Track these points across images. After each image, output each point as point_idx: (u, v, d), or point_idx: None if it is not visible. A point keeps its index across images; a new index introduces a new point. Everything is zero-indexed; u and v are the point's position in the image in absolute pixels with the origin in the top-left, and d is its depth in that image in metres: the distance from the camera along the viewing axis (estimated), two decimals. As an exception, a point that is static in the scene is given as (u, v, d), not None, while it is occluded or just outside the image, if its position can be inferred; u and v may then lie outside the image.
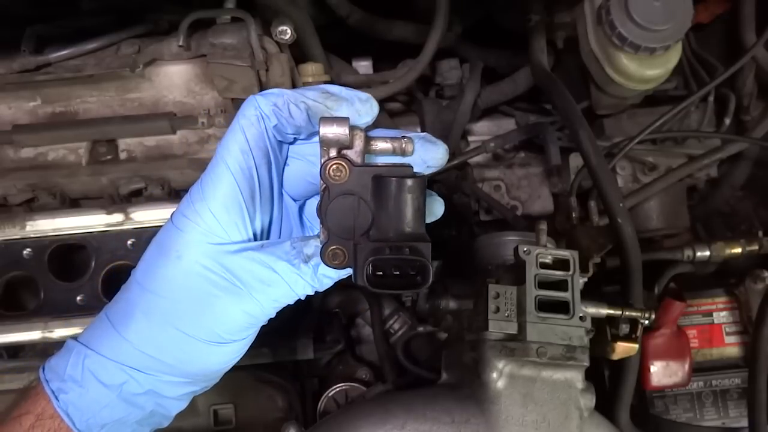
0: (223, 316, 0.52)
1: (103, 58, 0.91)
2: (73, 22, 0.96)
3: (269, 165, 0.53)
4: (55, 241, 0.84)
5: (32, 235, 0.84)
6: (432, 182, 1.20)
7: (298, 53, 0.99)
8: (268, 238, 0.56)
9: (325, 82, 1.00)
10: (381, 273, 0.49)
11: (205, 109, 0.93)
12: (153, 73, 0.92)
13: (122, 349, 0.52)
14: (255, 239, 0.53)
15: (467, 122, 1.17)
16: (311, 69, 0.98)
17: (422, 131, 1.19)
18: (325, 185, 0.50)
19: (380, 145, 0.52)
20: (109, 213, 0.84)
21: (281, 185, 0.57)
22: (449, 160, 1.12)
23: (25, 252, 0.84)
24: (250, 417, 1.12)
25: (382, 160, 0.52)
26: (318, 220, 0.53)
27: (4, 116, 0.93)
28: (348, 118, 0.50)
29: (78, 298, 0.83)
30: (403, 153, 0.52)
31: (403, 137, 0.52)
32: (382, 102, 1.20)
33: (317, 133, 0.49)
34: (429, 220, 0.57)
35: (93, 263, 0.84)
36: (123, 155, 0.94)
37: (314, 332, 1.20)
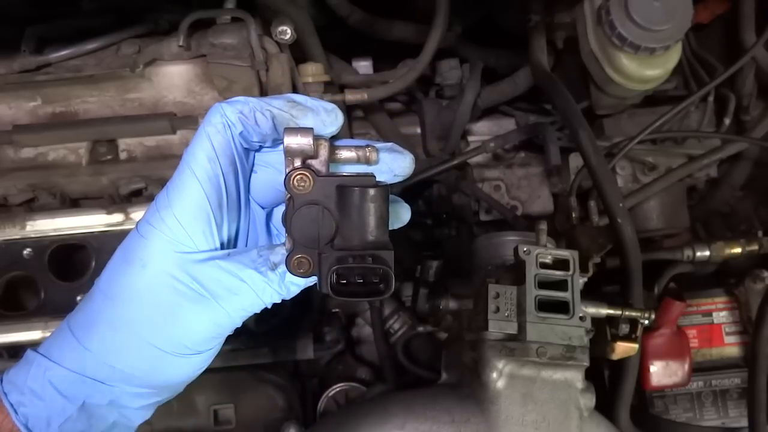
0: (189, 325, 0.51)
1: (103, 58, 0.91)
2: (73, 22, 0.96)
3: (236, 173, 0.53)
4: (55, 241, 0.84)
5: (32, 235, 0.84)
6: (432, 182, 1.20)
7: (298, 53, 0.99)
8: (235, 246, 0.56)
9: (325, 83, 1.00)
10: (345, 281, 0.50)
11: (205, 109, 0.92)
12: (153, 73, 0.92)
13: (85, 361, 0.51)
14: (222, 248, 0.53)
15: (467, 122, 1.17)
16: (311, 69, 0.98)
17: (422, 131, 1.19)
18: (289, 195, 0.50)
19: (345, 154, 0.53)
20: (109, 213, 0.84)
21: (248, 193, 0.57)
22: (449, 160, 1.13)
23: (25, 252, 0.84)
24: (250, 417, 1.12)
25: (347, 169, 0.53)
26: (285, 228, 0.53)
27: (4, 116, 0.92)
28: (312, 128, 0.50)
29: (78, 298, 0.83)
30: (368, 162, 0.53)
31: (368, 146, 0.53)
32: (382, 102, 1.20)
33: (282, 141, 0.50)
34: (396, 225, 0.57)
35: (93, 263, 0.84)
36: (123, 155, 0.94)
37: (314, 332, 1.20)
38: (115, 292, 0.51)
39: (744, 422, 1.00)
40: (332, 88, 1.04)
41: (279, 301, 0.53)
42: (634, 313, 0.80)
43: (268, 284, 0.51)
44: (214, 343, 0.54)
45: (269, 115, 0.52)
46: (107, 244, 0.84)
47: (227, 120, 0.52)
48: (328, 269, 0.49)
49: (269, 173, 0.57)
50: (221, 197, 0.52)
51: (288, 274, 0.51)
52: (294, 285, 0.52)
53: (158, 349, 0.51)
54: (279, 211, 0.61)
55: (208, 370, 1.21)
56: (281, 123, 0.53)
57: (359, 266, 0.49)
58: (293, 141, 0.49)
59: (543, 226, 0.80)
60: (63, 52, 0.90)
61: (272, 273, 0.51)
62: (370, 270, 0.49)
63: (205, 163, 0.51)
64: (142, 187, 0.90)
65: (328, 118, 0.53)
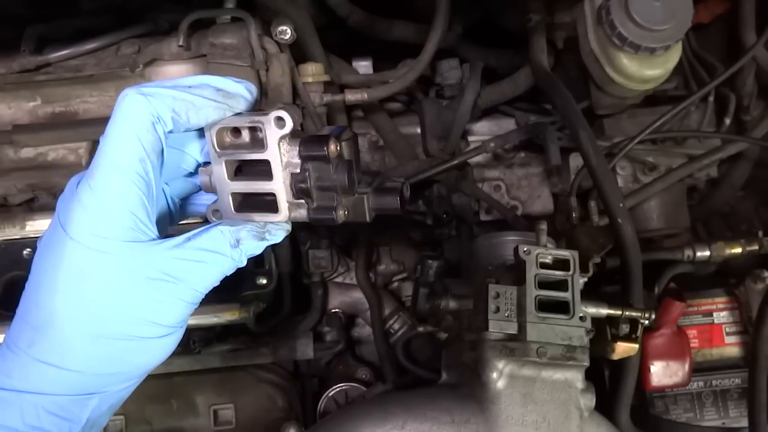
0: (166, 311, 0.52)
1: (103, 58, 0.91)
2: (72, 22, 0.96)
3: (160, 163, 0.53)
4: (55, 241, 0.83)
5: (32, 235, 0.84)
6: (432, 182, 1.20)
7: (298, 53, 0.99)
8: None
9: (325, 83, 1.00)
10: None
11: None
12: (153, 73, 0.92)
13: (69, 380, 0.51)
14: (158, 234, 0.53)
15: (467, 122, 1.17)
16: (311, 69, 0.98)
17: (422, 131, 1.19)
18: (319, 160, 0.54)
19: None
20: (109, 213, 0.84)
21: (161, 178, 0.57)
22: (449, 160, 1.13)
23: (25, 252, 0.84)
24: (250, 417, 1.13)
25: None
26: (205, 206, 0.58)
27: (4, 116, 0.92)
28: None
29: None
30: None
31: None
32: (382, 102, 1.20)
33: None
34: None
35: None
36: (123, 155, 0.93)
37: (314, 332, 1.20)
38: (86, 311, 0.50)
39: (744, 422, 1.00)
40: (332, 88, 1.04)
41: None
42: (634, 313, 0.80)
43: (232, 260, 0.53)
44: (188, 316, 0.55)
45: (203, 113, 0.52)
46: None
47: (157, 117, 0.50)
48: (399, 186, 0.57)
49: (173, 154, 0.57)
50: (151, 188, 0.51)
51: (244, 246, 0.54)
52: (249, 256, 0.55)
53: (142, 338, 0.51)
54: (199, 197, 0.62)
55: (209, 371, 1.21)
56: (214, 115, 0.53)
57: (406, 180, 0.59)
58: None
59: (543, 226, 0.80)
60: (63, 52, 0.90)
61: (235, 250, 0.53)
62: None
63: (136, 165, 0.50)
64: (142, 187, 0.90)
65: (251, 96, 0.55)
